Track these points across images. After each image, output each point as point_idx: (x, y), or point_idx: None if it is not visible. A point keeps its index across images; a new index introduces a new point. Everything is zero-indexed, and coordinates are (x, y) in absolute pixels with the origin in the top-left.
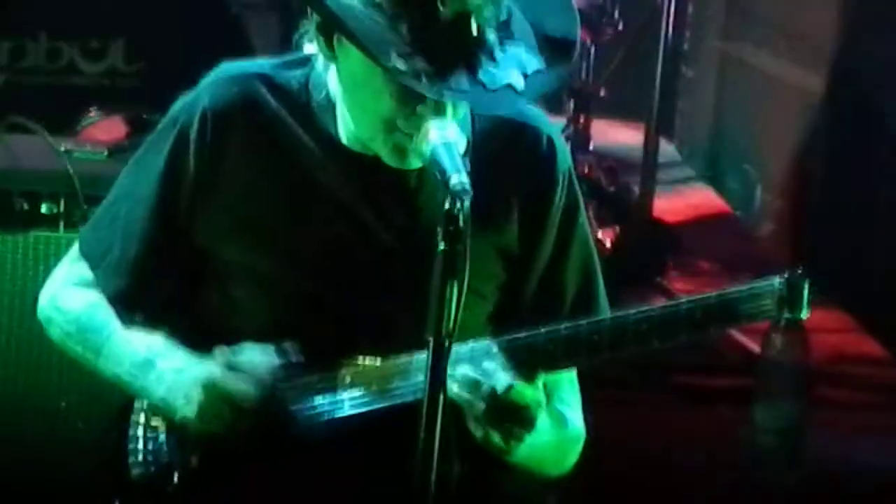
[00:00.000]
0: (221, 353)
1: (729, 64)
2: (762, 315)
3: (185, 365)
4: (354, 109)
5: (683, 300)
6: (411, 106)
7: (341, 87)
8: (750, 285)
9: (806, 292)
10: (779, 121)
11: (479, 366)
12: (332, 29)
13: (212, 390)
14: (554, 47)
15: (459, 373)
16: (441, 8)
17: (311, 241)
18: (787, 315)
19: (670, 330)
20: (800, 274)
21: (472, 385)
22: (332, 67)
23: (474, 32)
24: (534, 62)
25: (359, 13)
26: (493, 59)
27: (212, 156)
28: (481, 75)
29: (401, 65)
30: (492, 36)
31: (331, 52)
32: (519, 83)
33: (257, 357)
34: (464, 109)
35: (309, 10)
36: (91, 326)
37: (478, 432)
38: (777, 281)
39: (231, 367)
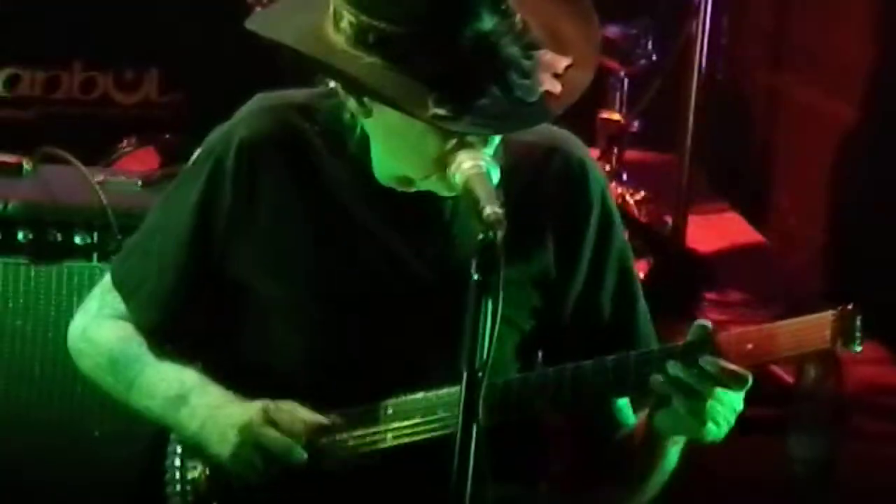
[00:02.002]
0: (263, 402)
1: (763, 94)
2: (814, 347)
3: (219, 402)
4: (400, 156)
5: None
6: (457, 137)
7: (380, 137)
8: (802, 318)
9: (859, 326)
10: (812, 151)
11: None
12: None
13: (248, 436)
14: (576, 44)
15: (681, 369)
16: (458, 43)
17: (346, 276)
18: (840, 349)
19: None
20: (853, 308)
21: (713, 377)
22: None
23: (497, 54)
24: (561, 61)
25: (383, 70)
26: (522, 71)
27: (248, 187)
28: (517, 92)
29: (441, 111)
30: (514, 50)
31: (363, 107)
32: (555, 87)
33: (300, 411)
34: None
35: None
36: (123, 359)
37: (706, 429)
38: (831, 313)
39: (271, 416)
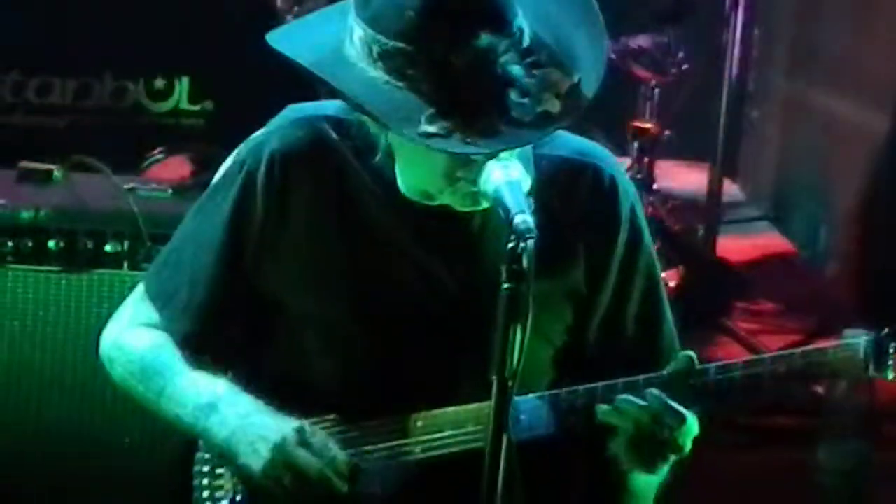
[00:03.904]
0: (299, 421)
1: (794, 104)
2: (847, 373)
3: (250, 411)
4: (415, 169)
5: (768, 356)
6: (463, 155)
7: (398, 150)
8: (836, 343)
9: (892, 353)
10: (843, 161)
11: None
12: None
13: (281, 455)
14: (585, 61)
15: (636, 400)
16: (453, 61)
17: (377, 290)
18: (872, 374)
19: (754, 387)
20: (887, 334)
21: (661, 413)
22: None
23: (495, 73)
24: (566, 81)
25: (383, 85)
26: (523, 90)
27: (279, 199)
28: (513, 111)
29: (431, 128)
30: (516, 69)
31: (377, 121)
32: (554, 107)
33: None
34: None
35: None
36: (154, 367)
37: (638, 460)
38: (864, 339)
39: (306, 438)
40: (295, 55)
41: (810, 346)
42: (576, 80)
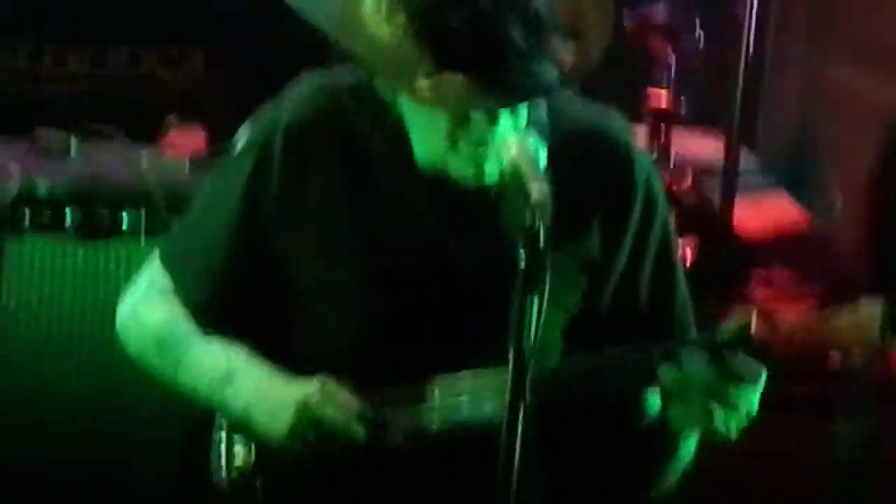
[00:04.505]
0: (318, 379)
1: (811, 74)
2: (863, 340)
3: (264, 378)
4: (420, 133)
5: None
6: (463, 116)
7: (405, 114)
8: (851, 308)
9: None
10: (860, 132)
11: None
12: None
13: (306, 413)
14: (591, 28)
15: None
16: (452, 20)
17: (393, 259)
18: (888, 342)
19: (769, 353)
20: None
21: (751, 372)
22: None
23: (493, 34)
24: (566, 48)
25: (388, 42)
26: (522, 53)
27: (296, 171)
28: (511, 73)
29: (426, 85)
30: (516, 32)
31: (375, 76)
32: (551, 72)
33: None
34: (523, 111)
35: None
36: (169, 340)
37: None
38: (880, 306)
39: (329, 394)
40: (309, 13)
41: (825, 311)
42: (574, 48)
